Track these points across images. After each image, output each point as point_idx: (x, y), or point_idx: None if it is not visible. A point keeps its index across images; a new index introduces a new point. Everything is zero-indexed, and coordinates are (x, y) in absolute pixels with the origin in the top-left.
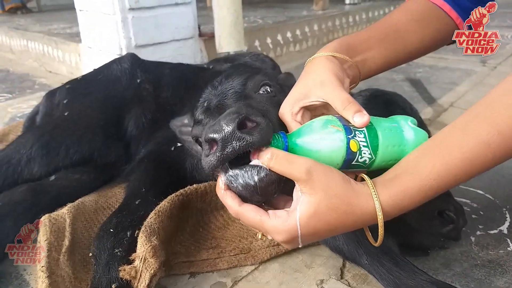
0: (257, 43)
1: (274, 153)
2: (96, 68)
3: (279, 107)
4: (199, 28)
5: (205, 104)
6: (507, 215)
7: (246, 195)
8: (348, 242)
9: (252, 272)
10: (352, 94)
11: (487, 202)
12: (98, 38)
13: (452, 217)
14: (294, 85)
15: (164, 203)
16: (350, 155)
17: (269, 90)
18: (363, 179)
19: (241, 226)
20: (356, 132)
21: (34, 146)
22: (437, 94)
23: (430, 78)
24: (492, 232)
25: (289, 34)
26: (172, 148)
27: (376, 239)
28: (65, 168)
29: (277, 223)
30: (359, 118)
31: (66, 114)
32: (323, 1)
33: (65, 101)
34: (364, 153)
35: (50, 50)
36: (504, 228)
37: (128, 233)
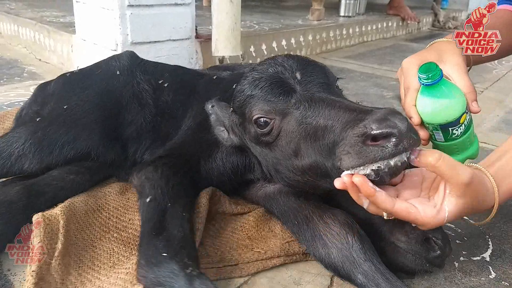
0: (252, 48)
1: (442, 155)
2: (94, 63)
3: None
4: (196, 29)
5: (282, 86)
6: (490, 243)
7: (388, 176)
8: (344, 261)
9: (241, 286)
10: None
11: (471, 228)
12: (94, 31)
13: (440, 244)
14: (424, 50)
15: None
16: (457, 121)
17: (338, 86)
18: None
19: (232, 236)
20: (467, 112)
21: (27, 142)
22: None
23: None
24: (475, 258)
25: (284, 42)
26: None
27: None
28: (58, 165)
29: (427, 220)
30: (476, 105)
31: (64, 107)
32: (319, 11)
33: (61, 93)
34: (460, 128)
35: (42, 38)
36: (486, 255)
37: (184, 255)
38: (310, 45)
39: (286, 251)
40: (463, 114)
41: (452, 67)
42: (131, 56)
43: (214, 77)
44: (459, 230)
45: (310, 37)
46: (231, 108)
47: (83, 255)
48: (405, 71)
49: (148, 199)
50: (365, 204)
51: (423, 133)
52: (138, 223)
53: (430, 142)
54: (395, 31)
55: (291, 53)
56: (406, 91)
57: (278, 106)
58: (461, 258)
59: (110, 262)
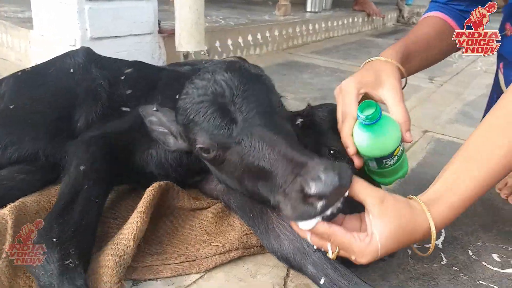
0: (217, 43)
1: (356, 178)
2: (47, 60)
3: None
4: (159, 24)
5: (223, 116)
6: (442, 230)
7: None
8: (295, 252)
9: (197, 280)
10: (310, 108)
11: None
12: (52, 26)
13: None
14: (362, 69)
15: (138, 220)
16: (392, 154)
17: (281, 101)
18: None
19: (190, 232)
20: (401, 144)
21: None
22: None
23: None
24: (427, 246)
25: (250, 37)
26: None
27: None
28: (2, 167)
29: (363, 246)
30: (409, 135)
31: (11, 107)
32: (285, 7)
33: (10, 93)
34: (393, 160)
35: None
36: (439, 242)
37: (74, 244)
38: (276, 41)
39: (244, 244)
40: (397, 147)
41: (389, 91)
42: (87, 53)
43: (173, 72)
44: None
45: (276, 33)
46: (175, 120)
47: None
48: (344, 94)
49: (68, 177)
50: (308, 236)
51: (357, 161)
52: None
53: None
54: (361, 27)
55: (257, 48)
56: (344, 117)
57: (219, 139)
58: (414, 245)
59: None
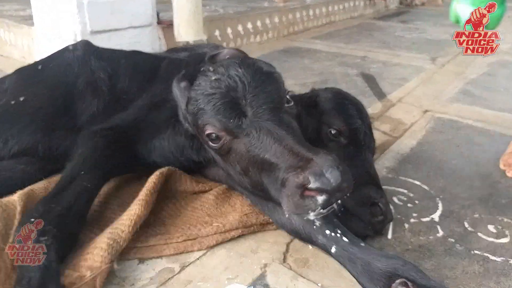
0: (217, 32)
1: None
2: (48, 55)
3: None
4: (158, 15)
5: (233, 108)
6: (439, 204)
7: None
8: (304, 224)
9: (200, 257)
10: (314, 90)
11: (422, 192)
12: (52, 22)
13: (383, 209)
14: None
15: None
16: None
17: (289, 98)
18: None
19: (192, 214)
20: None
21: None
22: (387, 89)
23: (383, 74)
24: (424, 219)
25: (250, 25)
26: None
27: None
28: (4, 159)
29: None
30: None
31: (12, 102)
32: None
33: (13, 88)
34: None
35: (2, 33)
36: (435, 216)
37: (54, 224)
38: (277, 28)
39: (244, 223)
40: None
41: None
42: (86, 45)
43: (172, 60)
44: (411, 195)
45: (276, 20)
46: (185, 109)
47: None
48: None
49: (69, 164)
50: None
51: None
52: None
53: None
54: (363, 10)
55: (258, 36)
56: None
57: (229, 127)
58: (411, 220)
59: None
